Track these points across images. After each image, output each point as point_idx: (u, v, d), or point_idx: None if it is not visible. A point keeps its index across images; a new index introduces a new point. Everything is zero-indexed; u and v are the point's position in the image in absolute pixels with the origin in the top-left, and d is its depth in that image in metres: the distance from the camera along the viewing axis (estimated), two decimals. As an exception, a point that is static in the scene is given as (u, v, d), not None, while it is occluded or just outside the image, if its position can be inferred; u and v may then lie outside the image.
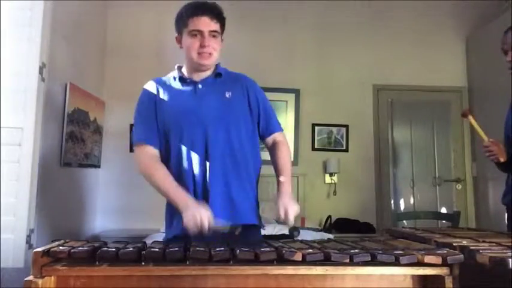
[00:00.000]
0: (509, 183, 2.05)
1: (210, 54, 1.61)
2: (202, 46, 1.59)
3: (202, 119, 1.59)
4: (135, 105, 1.70)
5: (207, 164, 1.58)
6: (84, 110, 3.61)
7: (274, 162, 1.70)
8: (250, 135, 1.68)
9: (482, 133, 2.07)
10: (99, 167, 4.05)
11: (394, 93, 4.55)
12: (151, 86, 1.69)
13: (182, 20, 1.63)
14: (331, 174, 4.32)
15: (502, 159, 1.96)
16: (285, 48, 4.44)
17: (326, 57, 4.48)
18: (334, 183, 4.34)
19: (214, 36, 1.61)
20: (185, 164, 1.58)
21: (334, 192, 4.34)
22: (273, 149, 1.73)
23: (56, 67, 3.02)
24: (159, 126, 1.63)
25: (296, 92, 4.40)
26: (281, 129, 1.77)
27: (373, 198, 4.36)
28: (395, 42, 4.53)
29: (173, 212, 1.59)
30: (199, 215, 1.42)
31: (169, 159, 1.62)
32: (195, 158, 1.58)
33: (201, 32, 1.59)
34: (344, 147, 4.43)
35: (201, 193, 1.57)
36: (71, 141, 3.36)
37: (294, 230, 1.61)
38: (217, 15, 1.63)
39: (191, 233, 1.42)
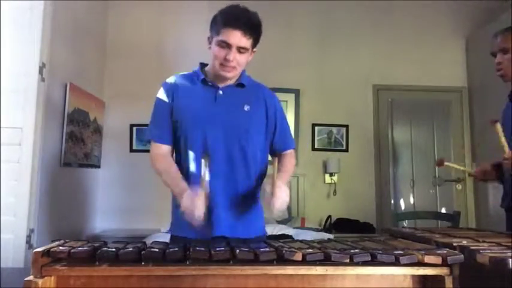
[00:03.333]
0: (507, 188, 2.05)
1: (233, 67, 1.58)
2: (226, 59, 1.55)
3: (218, 128, 1.60)
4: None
5: (214, 171, 1.57)
6: (84, 110, 3.61)
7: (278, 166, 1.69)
8: (261, 149, 1.68)
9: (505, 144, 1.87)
10: (99, 167, 4.05)
11: (394, 93, 4.55)
12: (170, 83, 1.68)
13: (216, 26, 1.56)
14: (331, 174, 4.32)
15: None
16: (285, 48, 4.44)
17: (326, 57, 4.48)
18: (334, 183, 4.34)
19: (241, 52, 1.56)
20: (195, 167, 1.59)
21: (334, 192, 4.34)
22: (279, 157, 1.71)
23: (56, 67, 3.02)
24: (176, 123, 1.63)
25: (296, 92, 4.40)
26: (294, 146, 1.78)
27: (373, 198, 4.36)
28: (395, 42, 4.53)
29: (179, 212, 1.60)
30: (192, 200, 1.42)
31: (180, 160, 1.63)
32: (205, 165, 1.58)
33: (229, 45, 1.54)
34: (344, 147, 4.43)
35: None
36: (71, 141, 3.36)
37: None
38: (253, 30, 1.56)
39: (188, 219, 1.44)
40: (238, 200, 1.60)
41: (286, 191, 1.51)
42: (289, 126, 1.79)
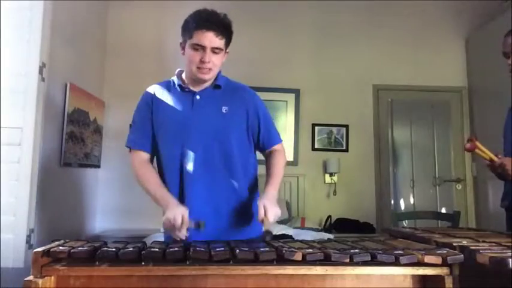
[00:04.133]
0: (507, 187, 2.05)
1: (209, 69, 1.58)
2: (202, 61, 1.56)
3: (196, 133, 1.59)
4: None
5: (196, 176, 1.58)
6: (84, 110, 3.61)
7: (267, 167, 1.70)
8: (244, 150, 1.67)
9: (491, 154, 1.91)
10: (99, 167, 4.05)
11: (394, 93, 4.55)
12: (149, 92, 1.69)
13: (188, 30, 1.58)
14: (331, 174, 4.32)
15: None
16: (285, 48, 4.44)
17: (326, 57, 4.48)
18: (334, 183, 4.34)
19: (216, 52, 1.58)
20: (174, 174, 1.59)
21: (334, 192, 4.34)
22: (269, 156, 1.73)
23: (56, 67, 3.02)
24: (154, 131, 1.64)
25: (296, 92, 4.40)
26: (280, 140, 1.77)
27: (373, 198, 4.36)
28: (395, 42, 4.53)
29: None
30: (173, 215, 1.43)
31: (162, 167, 1.64)
32: (185, 169, 1.58)
33: (203, 48, 1.56)
34: (344, 147, 4.43)
35: (189, 205, 1.54)
36: (71, 141, 3.36)
37: (267, 233, 1.56)
38: (224, 30, 1.58)
39: (168, 232, 1.46)
40: (223, 205, 1.59)
41: (276, 207, 1.49)
42: (273, 121, 1.78)
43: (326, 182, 4.36)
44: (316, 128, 4.42)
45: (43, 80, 2.57)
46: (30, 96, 2.49)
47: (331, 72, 4.46)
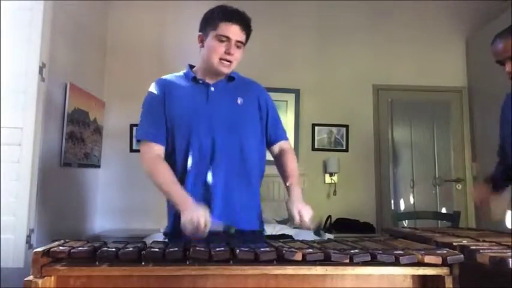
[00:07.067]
0: None
1: (230, 62, 1.60)
2: (226, 53, 1.57)
3: (213, 124, 1.58)
4: (142, 101, 1.67)
5: (212, 168, 1.56)
6: (84, 110, 3.61)
7: (281, 168, 1.71)
8: (258, 142, 1.68)
9: None
10: (99, 167, 4.05)
11: (394, 93, 4.55)
12: (160, 83, 1.66)
13: (212, 21, 1.59)
14: (331, 174, 4.32)
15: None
16: (285, 49, 4.44)
17: (326, 57, 4.48)
18: (334, 183, 4.34)
19: (239, 46, 1.60)
20: (190, 166, 1.57)
21: (334, 192, 4.34)
22: (280, 155, 1.74)
23: (56, 67, 3.02)
24: (167, 124, 1.60)
25: (296, 92, 4.40)
26: (287, 138, 1.79)
27: (373, 198, 4.36)
28: (395, 42, 4.53)
29: (170, 209, 1.59)
30: (196, 216, 1.38)
31: (175, 160, 1.60)
32: (201, 161, 1.56)
33: (229, 39, 1.57)
34: (344, 147, 4.43)
35: (204, 197, 1.54)
36: (71, 141, 3.36)
37: (318, 230, 1.64)
38: (247, 27, 1.61)
39: (188, 234, 1.40)
40: (235, 194, 1.59)
41: (307, 206, 1.54)
42: (280, 118, 1.80)
43: (326, 182, 4.36)
44: (316, 128, 4.42)
45: (43, 80, 2.57)
46: (30, 96, 2.49)
47: (331, 72, 4.46)
